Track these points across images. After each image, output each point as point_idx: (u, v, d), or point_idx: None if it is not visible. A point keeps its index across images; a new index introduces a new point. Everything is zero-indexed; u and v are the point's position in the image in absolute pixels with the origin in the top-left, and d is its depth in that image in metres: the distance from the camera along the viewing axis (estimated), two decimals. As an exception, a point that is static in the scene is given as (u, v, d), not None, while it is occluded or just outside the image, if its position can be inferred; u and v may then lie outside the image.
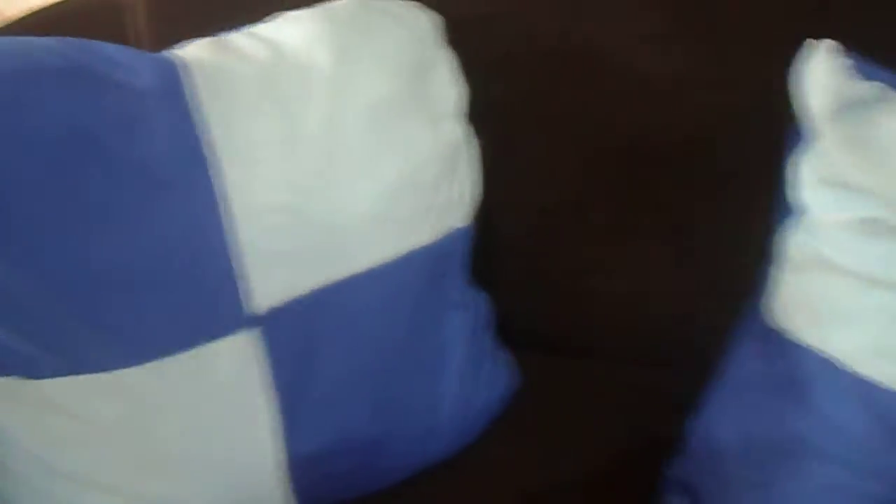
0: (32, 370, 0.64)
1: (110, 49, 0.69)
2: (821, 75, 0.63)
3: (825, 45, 0.64)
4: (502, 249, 0.86)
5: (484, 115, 0.79)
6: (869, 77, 0.64)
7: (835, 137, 0.63)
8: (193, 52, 0.72)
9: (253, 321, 0.68)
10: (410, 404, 0.75)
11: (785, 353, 0.69)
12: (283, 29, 0.75)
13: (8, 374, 0.65)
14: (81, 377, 0.65)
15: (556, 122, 0.82)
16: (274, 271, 0.69)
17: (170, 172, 0.66)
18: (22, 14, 0.91)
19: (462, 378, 0.78)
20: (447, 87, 0.78)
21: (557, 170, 0.84)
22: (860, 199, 0.64)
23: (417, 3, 0.79)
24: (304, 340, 0.71)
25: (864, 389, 0.64)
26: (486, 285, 0.84)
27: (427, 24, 0.79)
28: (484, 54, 0.79)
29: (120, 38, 0.83)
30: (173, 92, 0.67)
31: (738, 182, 0.80)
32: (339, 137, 0.72)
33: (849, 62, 0.64)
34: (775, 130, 0.71)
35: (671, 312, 0.83)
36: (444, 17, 0.79)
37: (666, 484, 0.75)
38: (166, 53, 0.72)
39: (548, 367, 0.86)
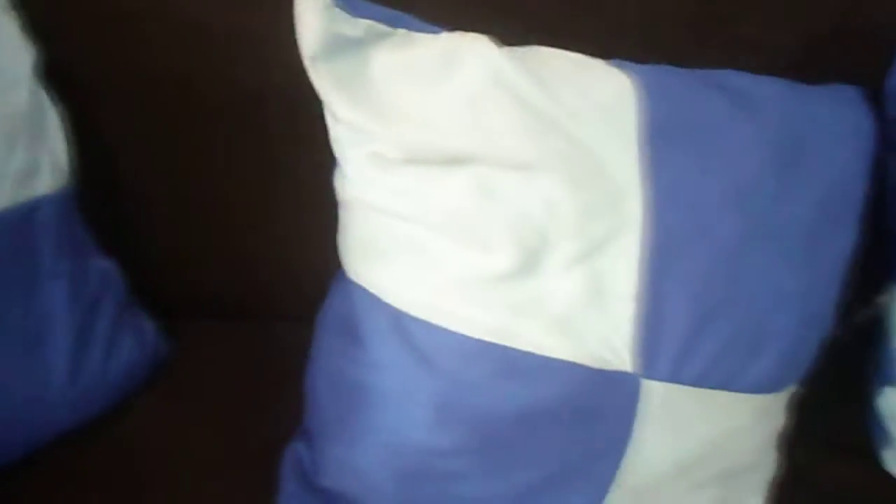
0: None
1: None
2: (308, 17, 0.59)
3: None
4: (138, 216, 0.83)
5: (65, 78, 0.76)
6: (358, 14, 0.61)
7: (328, 78, 0.60)
8: None
9: None
10: (11, 376, 0.72)
11: (348, 293, 0.66)
12: None
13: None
14: None
15: (136, 83, 0.79)
16: None
17: None
18: None
19: (74, 349, 0.75)
20: (15, 50, 0.75)
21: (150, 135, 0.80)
22: (363, 135, 0.61)
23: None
24: None
25: (401, 322, 0.62)
26: (130, 252, 0.82)
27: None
28: (55, 16, 0.75)
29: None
30: None
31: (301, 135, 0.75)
32: None
33: (331, 1, 0.60)
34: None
35: (314, 268, 0.78)
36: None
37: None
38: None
39: (206, 332, 0.85)
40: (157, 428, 0.79)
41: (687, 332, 0.60)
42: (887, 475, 0.81)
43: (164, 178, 0.82)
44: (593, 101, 0.59)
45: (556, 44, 0.69)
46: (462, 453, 0.62)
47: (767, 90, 0.63)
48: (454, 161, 0.59)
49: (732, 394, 0.62)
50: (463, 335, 0.60)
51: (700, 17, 0.77)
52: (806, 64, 0.78)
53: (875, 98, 0.75)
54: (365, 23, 0.60)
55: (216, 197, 0.81)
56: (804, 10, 0.76)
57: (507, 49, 0.60)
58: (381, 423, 0.64)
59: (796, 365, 0.65)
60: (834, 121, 0.63)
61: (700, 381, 0.61)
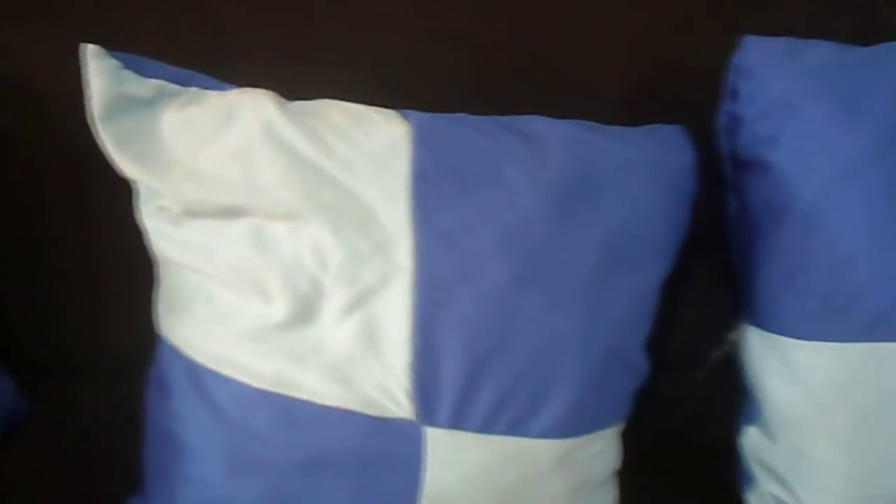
0: None
1: None
2: (94, 79, 0.60)
3: (90, 50, 0.61)
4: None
5: None
6: (148, 74, 0.62)
7: (111, 137, 0.60)
8: None
9: None
10: None
11: (159, 346, 0.67)
12: None
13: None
14: None
15: None
16: None
17: None
18: None
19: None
20: None
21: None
22: (149, 191, 0.62)
23: None
24: None
25: (196, 374, 0.62)
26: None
27: None
28: None
29: None
30: None
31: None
32: None
33: (119, 63, 0.61)
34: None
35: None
36: None
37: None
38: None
39: (73, 389, 0.84)
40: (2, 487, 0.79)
41: (463, 377, 0.59)
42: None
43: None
44: (366, 152, 0.59)
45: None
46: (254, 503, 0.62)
47: (560, 132, 0.62)
48: (230, 213, 0.59)
49: (523, 439, 0.60)
50: (246, 385, 0.60)
51: (527, 62, 0.78)
52: (637, 104, 0.79)
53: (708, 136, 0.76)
54: (155, 83, 0.61)
55: (57, 257, 0.81)
56: (626, 52, 0.76)
57: (284, 103, 0.61)
58: (186, 473, 0.64)
59: (597, 409, 0.63)
60: (631, 160, 0.62)
61: (485, 428, 0.60)
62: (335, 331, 0.59)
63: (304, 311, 0.59)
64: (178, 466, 0.64)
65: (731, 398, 0.81)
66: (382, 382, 0.59)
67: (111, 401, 0.84)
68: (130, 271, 0.74)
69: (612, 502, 0.69)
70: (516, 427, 0.60)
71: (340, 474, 0.60)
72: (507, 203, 0.59)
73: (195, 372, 0.62)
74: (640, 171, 0.63)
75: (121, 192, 0.69)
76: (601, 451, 0.66)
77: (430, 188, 0.58)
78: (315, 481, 0.60)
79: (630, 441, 0.72)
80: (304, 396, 0.59)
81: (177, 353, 0.63)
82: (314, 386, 0.59)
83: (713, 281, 0.82)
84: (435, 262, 0.58)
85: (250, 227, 0.59)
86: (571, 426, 0.61)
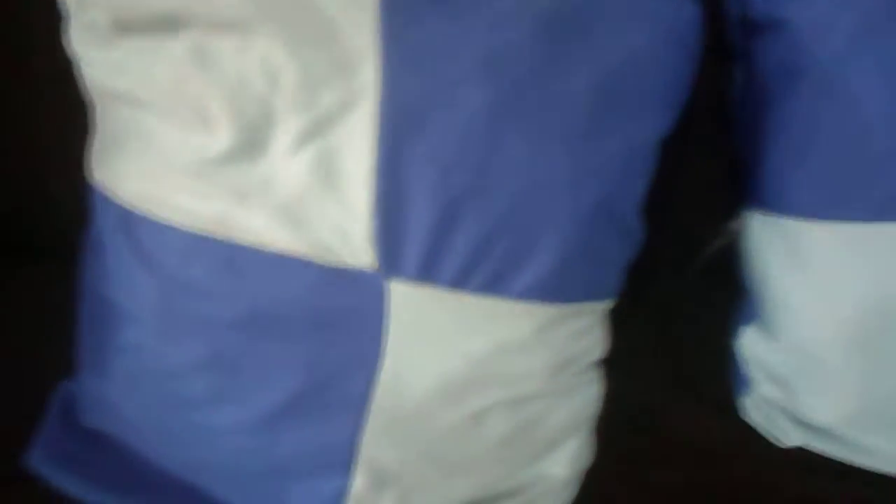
0: None
1: None
2: None
3: None
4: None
5: None
6: None
7: None
8: None
9: None
10: None
11: (94, 199, 0.58)
12: None
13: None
14: None
15: None
16: None
17: None
18: None
19: None
20: None
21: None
22: (79, 3, 0.52)
23: None
24: None
25: (128, 221, 0.53)
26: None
27: None
28: None
29: None
30: None
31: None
32: None
33: None
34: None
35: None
36: None
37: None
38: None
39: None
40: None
41: (434, 221, 0.50)
42: (744, 424, 0.70)
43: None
44: (329, -44, 0.51)
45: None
46: (194, 371, 0.53)
47: None
48: (167, 26, 0.50)
49: (501, 300, 0.52)
50: (183, 229, 0.51)
51: None
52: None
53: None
54: None
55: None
56: None
57: None
58: (120, 342, 0.55)
59: (586, 273, 0.54)
60: (629, 2, 0.54)
61: (458, 284, 0.51)
62: (287, 164, 0.50)
63: (251, 142, 0.50)
64: (111, 335, 0.56)
65: (727, 297, 0.75)
66: (340, 225, 0.50)
67: (46, 286, 0.77)
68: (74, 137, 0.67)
69: (595, 395, 0.61)
70: (494, 284, 0.51)
71: (289, 334, 0.51)
72: (490, 24, 0.49)
73: (127, 220, 0.53)
74: (638, 13, 0.54)
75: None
76: (588, 328, 0.57)
77: (405, 1, 0.50)
78: (260, 343, 0.52)
79: (619, 341, 0.65)
80: (248, 241, 0.50)
81: (108, 201, 0.54)
82: (261, 228, 0.50)
83: (708, 174, 0.76)
84: (404, 86, 0.49)
85: (190, 42, 0.50)
86: (557, 289, 0.53)
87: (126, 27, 0.51)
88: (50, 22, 0.59)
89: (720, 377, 0.72)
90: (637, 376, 0.71)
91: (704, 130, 0.69)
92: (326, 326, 0.51)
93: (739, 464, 0.69)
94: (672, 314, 0.76)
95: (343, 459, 0.55)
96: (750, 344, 0.71)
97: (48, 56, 0.62)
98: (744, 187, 0.70)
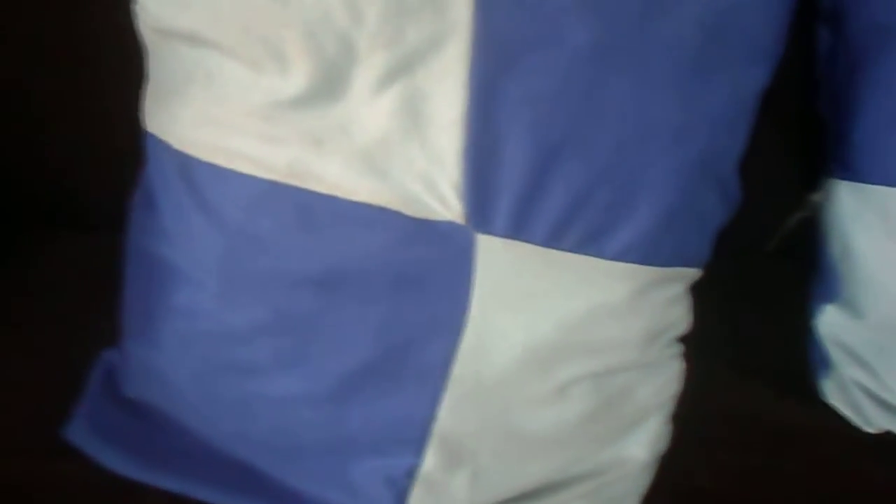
0: None
1: None
2: None
3: None
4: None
5: None
6: None
7: None
8: None
9: None
10: None
11: (147, 150, 0.53)
12: None
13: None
14: None
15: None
16: None
17: None
18: None
19: None
20: None
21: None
22: None
23: None
24: None
25: (188, 170, 0.48)
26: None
27: None
28: None
29: None
30: None
31: None
32: None
33: None
34: None
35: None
36: None
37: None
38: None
39: (49, 241, 0.72)
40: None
41: (529, 172, 0.46)
42: (824, 407, 0.66)
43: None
44: None
45: None
46: (257, 335, 0.49)
47: None
48: (240, -45, 0.47)
49: (597, 260, 0.47)
50: (251, 177, 0.47)
51: None
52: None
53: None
54: None
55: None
56: None
57: None
58: (174, 304, 0.51)
59: (685, 233, 0.50)
60: None
61: (552, 241, 0.47)
62: (369, 106, 0.45)
63: (331, 81, 0.45)
64: (163, 297, 0.51)
65: (804, 275, 0.71)
66: (426, 174, 0.46)
67: (95, 255, 0.72)
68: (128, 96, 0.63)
69: (678, 371, 0.57)
70: (590, 243, 0.47)
71: (365, 294, 0.47)
72: None
73: (188, 169, 0.48)
74: None
75: None
76: (679, 297, 0.53)
77: None
78: (334, 301, 0.47)
79: (693, 320, 0.61)
80: (324, 190, 0.46)
81: (166, 150, 0.50)
82: (338, 177, 0.46)
83: (788, 139, 0.72)
84: (500, 20, 0.44)
85: (267, -27, 0.46)
86: (655, 250, 0.48)
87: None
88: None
89: (799, 358, 0.69)
90: (711, 357, 0.67)
91: (785, 96, 0.66)
92: (407, 285, 0.47)
93: (820, 448, 0.64)
94: (747, 291, 0.72)
95: (416, 436, 0.50)
96: (831, 323, 0.67)
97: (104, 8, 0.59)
98: (829, 156, 0.66)
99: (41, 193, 0.75)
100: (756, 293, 0.73)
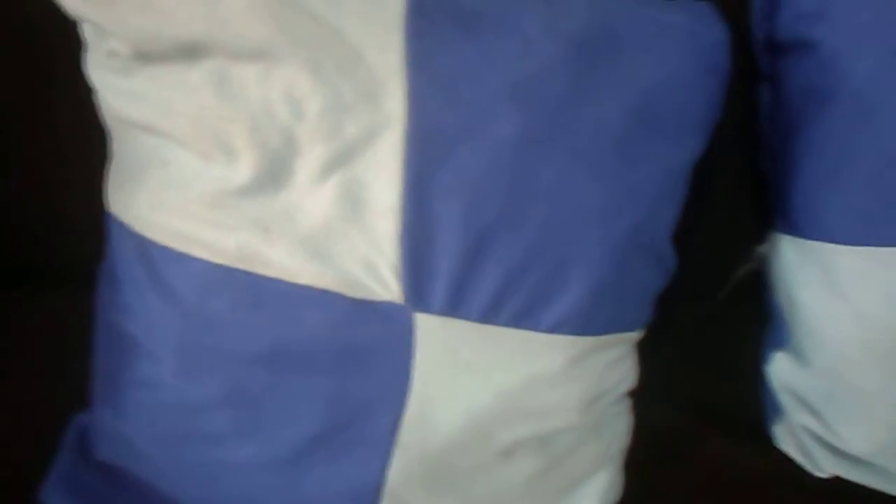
0: None
1: None
2: None
3: None
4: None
5: None
6: None
7: None
8: None
9: None
10: None
11: (109, 229, 0.56)
12: None
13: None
14: None
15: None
16: None
17: None
18: None
19: None
20: None
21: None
22: (96, 30, 0.50)
23: None
24: None
25: (147, 252, 0.51)
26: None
27: None
28: None
29: None
30: None
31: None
32: None
33: None
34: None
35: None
36: None
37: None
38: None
39: (22, 301, 0.74)
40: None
41: (463, 252, 0.48)
42: (778, 452, 0.68)
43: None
44: (353, -18, 0.49)
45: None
46: (214, 407, 0.51)
47: None
48: (189, 54, 0.49)
49: (531, 333, 0.50)
50: (203, 261, 0.49)
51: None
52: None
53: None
54: None
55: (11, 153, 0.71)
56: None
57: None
58: (136, 376, 0.53)
59: (618, 304, 0.53)
60: (660, 23, 0.52)
61: (487, 317, 0.49)
62: (311, 195, 0.48)
63: (275, 172, 0.48)
64: (127, 369, 0.54)
65: (755, 323, 0.73)
66: (366, 257, 0.48)
67: (67, 313, 0.75)
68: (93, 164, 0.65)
69: (626, 426, 0.59)
70: (524, 318, 0.49)
71: (312, 369, 0.49)
72: (519, 50, 0.48)
73: (146, 251, 0.51)
74: (670, 35, 0.52)
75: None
76: (619, 359, 0.55)
77: (429, 25, 0.47)
78: (283, 378, 0.50)
79: (647, 370, 0.63)
80: (271, 274, 0.48)
81: (127, 232, 0.52)
82: (284, 261, 0.48)
83: (733, 197, 0.75)
84: (432, 113, 0.47)
85: (212, 71, 0.48)
86: (589, 321, 0.51)
87: (146, 56, 0.49)
88: (70, 50, 0.58)
89: (750, 405, 0.71)
90: (665, 405, 0.69)
91: (730, 153, 0.68)
92: (352, 361, 0.49)
93: (775, 493, 0.67)
94: (698, 340, 0.74)
95: (367, 499, 0.53)
96: (780, 370, 0.69)
97: (68, 84, 0.62)
98: (772, 211, 0.68)
99: (14, 253, 0.78)
100: (710, 340, 0.75)
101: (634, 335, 0.56)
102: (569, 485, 0.57)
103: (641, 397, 0.63)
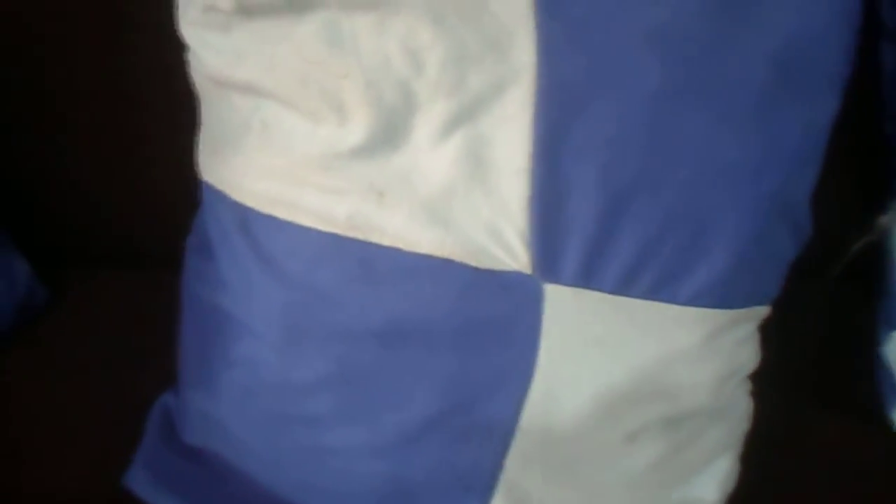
0: None
1: None
2: None
3: None
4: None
5: None
6: None
7: None
8: None
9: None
10: None
11: (202, 198, 0.52)
12: None
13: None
14: None
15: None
16: None
17: None
18: None
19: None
20: None
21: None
22: None
23: None
24: None
25: (247, 221, 0.47)
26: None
27: None
28: None
29: None
30: None
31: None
32: None
33: None
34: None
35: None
36: None
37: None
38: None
39: (97, 280, 0.71)
40: (22, 379, 0.65)
41: (600, 217, 0.44)
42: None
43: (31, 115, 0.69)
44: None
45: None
46: (320, 387, 0.47)
47: None
48: (296, 5, 0.44)
49: (668, 306, 0.45)
50: (311, 230, 0.45)
51: None
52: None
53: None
54: None
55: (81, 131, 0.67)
56: None
57: None
58: (233, 355, 0.50)
59: (759, 272, 0.48)
60: None
61: (622, 289, 0.45)
62: (430, 155, 0.44)
63: (390, 131, 0.44)
64: (223, 348, 0.50)
65: (872, 301, 0.69)
66: (491, 223, 0.44)
67: (144, 294, 0.70)
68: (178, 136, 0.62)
69: (748, 409, 0.55)
70: (661, 289, 0.45)
71: (430, 346, 0.45)
72: None
73: (246, 220, 0.47)
74: None
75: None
76: (748, 337, 0.50)
77: None
78: (397, 357, 0.46)
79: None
80: (386, 242, 0.44)
81: (223, 200, 0.48)
82: (400, 228, 0.44)
83: (853, 165, 0.70)
84: (565, 63, 0.43)
85: (322, 22, 0.44)
86: (729, 293, 0.46)
87: (250, 9, 0.45)
88: (154, 16, 0.55)
89: (867, 387, 0.66)
90: (778, 390, 0.65)
91: (850, 116, 0.64)
92: (472, 337, 0.45)
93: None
94: (812, 320, 0.70)
95: (482, 485, 0.49)
96: (900, 350, 0.65)
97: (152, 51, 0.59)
98: (892, 176, 0.64)
99: (89, 233, 0.75)
100: (824, 319, 0.71)
101: (765, 310, 0.52)
102: (689, 472, 0.52)
103: (754, 382, 0.59)
